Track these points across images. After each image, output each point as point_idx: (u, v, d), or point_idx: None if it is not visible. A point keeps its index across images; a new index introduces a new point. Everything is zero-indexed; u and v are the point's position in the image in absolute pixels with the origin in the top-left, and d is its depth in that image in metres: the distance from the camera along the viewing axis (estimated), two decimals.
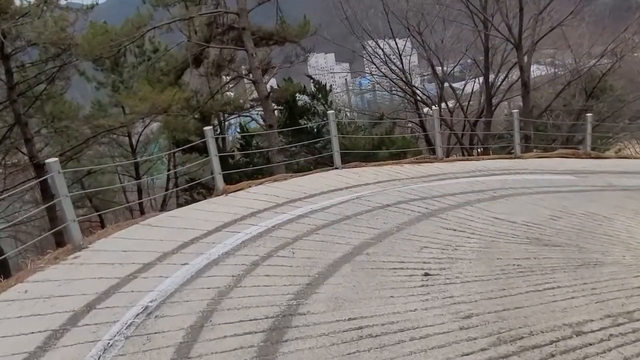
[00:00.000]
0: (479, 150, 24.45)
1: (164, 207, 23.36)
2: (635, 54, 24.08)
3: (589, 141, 14.02)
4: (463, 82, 28.19)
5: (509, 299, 4.47)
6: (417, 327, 4.02)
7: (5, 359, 4.05)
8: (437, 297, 4.54)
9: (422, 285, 4.80)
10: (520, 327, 3.97)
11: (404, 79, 24.56)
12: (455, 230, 6.39)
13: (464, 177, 9.85)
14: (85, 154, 20.56)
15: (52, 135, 19.17)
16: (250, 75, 17.54)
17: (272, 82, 24.30)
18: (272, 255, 5.71)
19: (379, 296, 4.60)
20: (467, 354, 3.63)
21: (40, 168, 15.35)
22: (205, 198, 11.51)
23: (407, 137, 22.38)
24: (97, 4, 17.47)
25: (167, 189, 25.15)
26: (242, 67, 21.86)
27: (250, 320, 4.28)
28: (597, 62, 22.85)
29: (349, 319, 4.20)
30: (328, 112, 12.37)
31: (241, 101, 23.34)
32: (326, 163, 14.74)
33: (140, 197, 23.21)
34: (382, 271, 5.15)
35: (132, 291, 5.02)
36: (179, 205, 16.20)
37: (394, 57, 24.65)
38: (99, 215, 21.02)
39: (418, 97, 25.34)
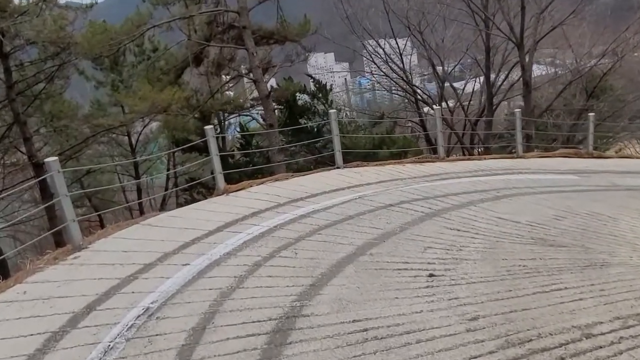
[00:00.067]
0: (479, 149, 24.41)
1: (163, 206, 23.32)
2: (636, 54, 23.99)
3: (591, 141, 13.93)
4: (463, 82, 28.13)
5: (515, 301, 4.40)
6: (423, 329, 3.96)
7: None
8: (443, 299, 4.47)
9: (427, 287, 4.73)
10: (528, 329, 3.89)
11: (404, 78, 24.51)
12: (459, 230, 6.32)
13: (466, 176, 9.79)
14: (84, 153, 20.52)
15: (51, 134, 19.14)
16: (251, 75, 17.50)
17: (273, 82, 24.23)
18: (275, 255, 5.64)
19: (383, 297, 4.53)
20: (475, 357, 3.57)
21: (39, 167, 15.29)
22: (205, 198, 11.47)
23: (407, 137, 22.32)
24: (96, 2, 17.47)
25: (166, 189, 25.10)
26: (243, 66, 21.81)
27: (253, 322, 4.22)
28: (597, 61, 22.79)
29: (354, 321, 4.14)
30: (329, 111, 12.31)
31: (241, 100, 23.30)
32: (326, 163, 14.70)
33: (139, 197, 23.16)
34: (386, 272, 5.08)
35: (133, 292, 4.95)
36: (179, 205, 16.17)
37: (395, 56, 24.60)
38: (99, 215, 20.98)
39: (418, 97, 25.29)
